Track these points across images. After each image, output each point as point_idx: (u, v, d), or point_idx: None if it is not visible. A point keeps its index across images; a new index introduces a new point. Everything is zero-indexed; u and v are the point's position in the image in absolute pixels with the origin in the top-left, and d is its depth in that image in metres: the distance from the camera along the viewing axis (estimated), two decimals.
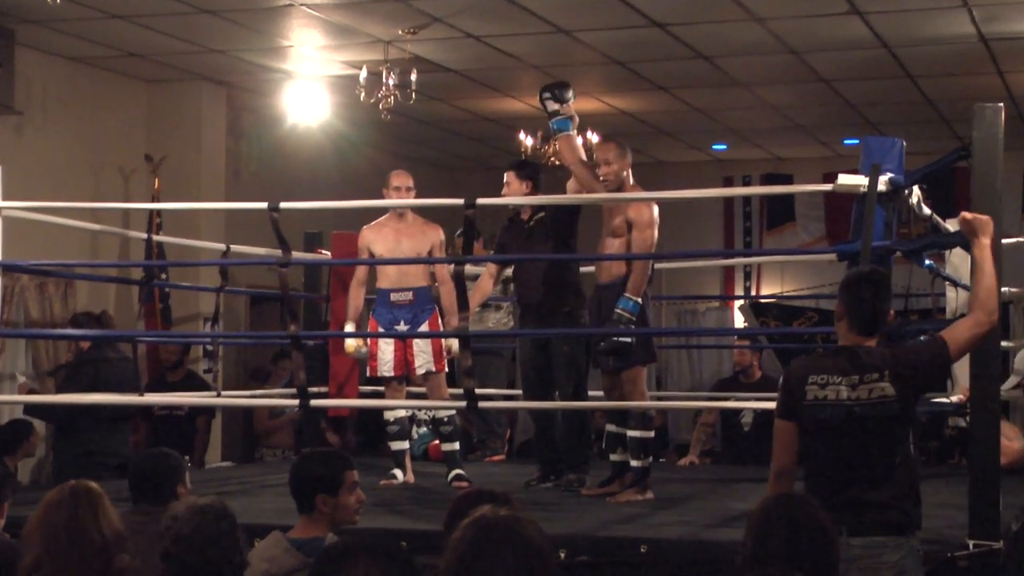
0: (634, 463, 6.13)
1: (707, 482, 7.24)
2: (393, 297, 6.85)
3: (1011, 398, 7.32)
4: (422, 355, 6.81)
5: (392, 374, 6.88)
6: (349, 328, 6.99)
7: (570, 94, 6.50)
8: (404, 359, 6.85)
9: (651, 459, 6.22)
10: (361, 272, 7.10)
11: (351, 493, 4.14)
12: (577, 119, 6.52)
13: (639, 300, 5.95)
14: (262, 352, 10.67)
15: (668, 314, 12.68)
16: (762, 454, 8.32)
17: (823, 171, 11.89)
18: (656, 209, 6.13)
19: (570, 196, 6.49)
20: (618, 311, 5.91)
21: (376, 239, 6.93)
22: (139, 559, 3.86)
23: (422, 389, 7.49)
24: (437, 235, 6.93)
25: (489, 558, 2.45)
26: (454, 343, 6.70)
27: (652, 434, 6.18)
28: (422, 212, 7.11)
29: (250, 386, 10.52)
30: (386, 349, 6.84)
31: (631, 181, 6.23)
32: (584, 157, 6.50)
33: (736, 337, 9.58)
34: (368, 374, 7.04)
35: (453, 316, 6.66)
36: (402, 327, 6.81)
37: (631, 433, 6.13)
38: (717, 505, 6.10)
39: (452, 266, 6.57)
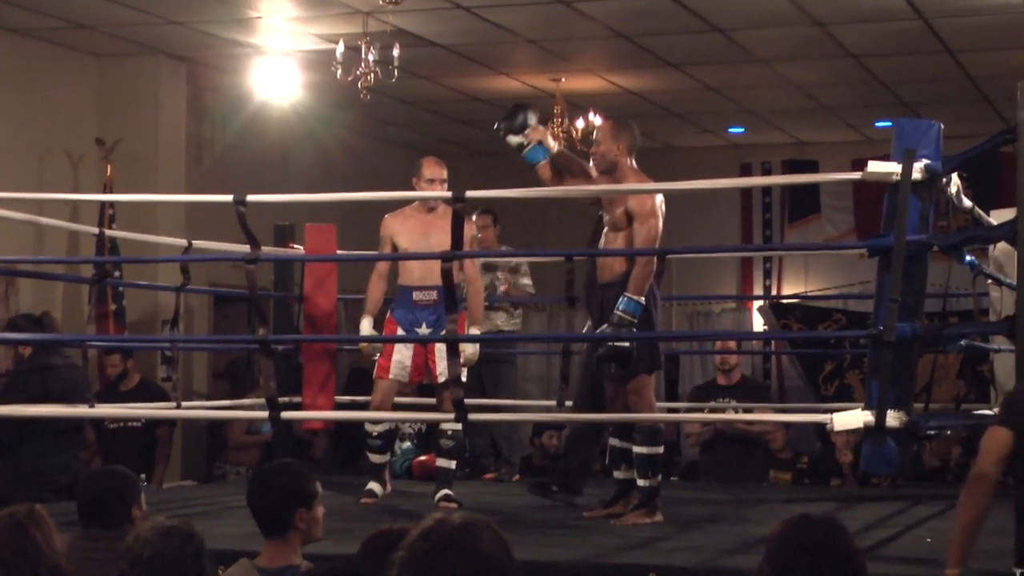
0: (641, 482, 6.11)
1: (721, 503, 7.24)
2: (415, 296, 6.86)
3: None
4: (444, 360, 6.79)
5: (408, 380, 6.91)
6: (365, 324, 6.95)
7: (530, 118, 6.38)
8: (425, 364, 6.86)
9: (660, 478, 6.21)
10: (383, 264, 7.10)
11: (320, 504, 4.19)
12: (550, 140, 6.43)
13: (641, 300, 5.91)
14: (226, 359, 10.67)
15: (679, 315, 12.68)
16: (746, 458, 8.63)
17: (851, 157, 11.89)
18: (660, 197, 6.11)
19: (577, 188, 6.47)
20: (618, 313, 5.88)
21: (401, 231, 6.92)
22: None
23: (408, 400, 7.50)
24: (469, 230, 6.85)
25: (441, 573, 2.46)
26: (470, 350, 6.68)
27: (661, 450, 6.16)
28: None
29: (217, 388, 10.52)
30: (406, 353, 6.84)
31: (631, 164, 6.18)
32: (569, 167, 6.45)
33: (725, 340, 9.64)
34: (375, 375, 7.00)
35: (475, 324, 6.73)
36: (424, 330, 6.81)
37: (637, 449, 6.11)
38: (733, 529, 6.10)
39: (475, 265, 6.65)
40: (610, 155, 6.15)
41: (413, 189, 6.99)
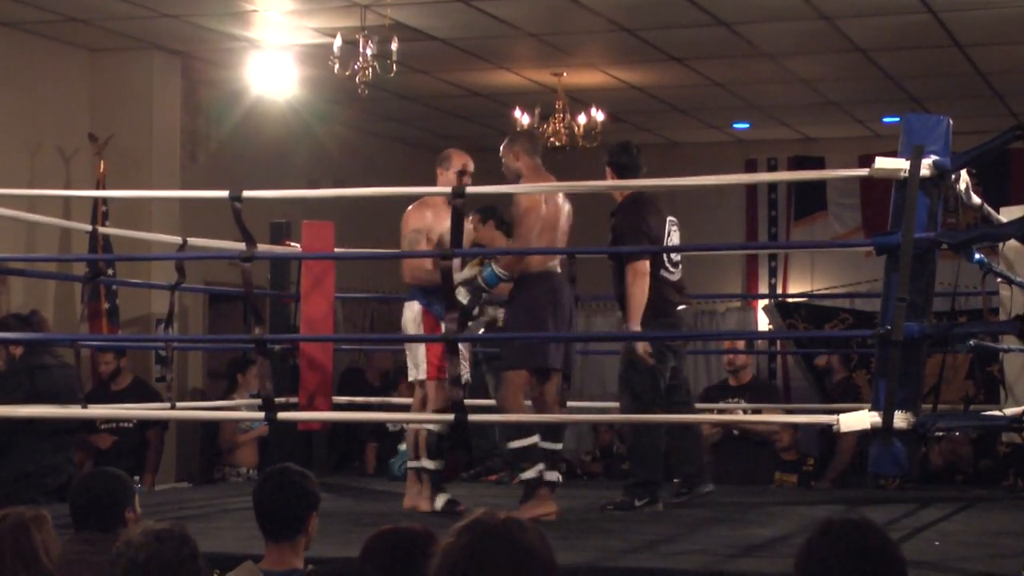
0: (528, 475, 6.32)
1: (727, 505, 7.24)
2: None
3: None
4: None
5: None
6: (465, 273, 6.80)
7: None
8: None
9: (541, 467, 6.35)
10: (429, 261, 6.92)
11: None
12: (488, 268, 6.46)
13: (500, 273, 6.28)
14: (223, 358, 10.67)
15: (683, 314, 12.68)
16: (755, 460, 8.65)
17: (859, 153, 11.90)
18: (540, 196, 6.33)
19: (578, 184, 6.54)
20: (480, 277, 6.28)
21: (436, 223, 6.83)
22: None
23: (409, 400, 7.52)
24: (468, 225, 7.05)
25: (485, 566, 2.46)
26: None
27: (534, 439, 6.32)
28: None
29: (211, 387, 10.51)
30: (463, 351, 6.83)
31: (534, 166, 6.42)
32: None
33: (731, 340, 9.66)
34: (429, 375, 6.86)
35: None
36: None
37: (510, 444, 6.36)
38: (739, 532, 6.11)
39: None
40: (512, 167, 6.48)
41: (437, 179, 6.91)
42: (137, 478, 7.95)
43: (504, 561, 2.46)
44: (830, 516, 2.93)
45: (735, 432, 8.75)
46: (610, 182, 6.57)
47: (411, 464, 7.00)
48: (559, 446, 6.61)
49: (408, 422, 8.06)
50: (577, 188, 6.60)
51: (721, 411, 8.62)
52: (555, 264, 6.40)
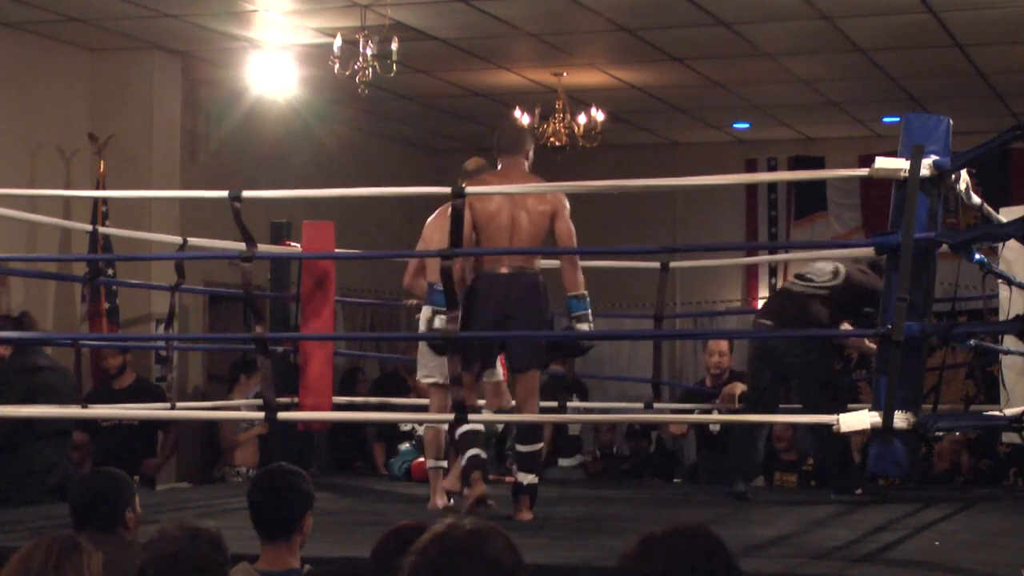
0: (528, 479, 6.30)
1: (727, 505, 7.25)
2: None
3: None
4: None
5: None
6: None
7: None
8: None
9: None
10: None
11: None
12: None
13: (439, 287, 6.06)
14: (223, 358, 10.67)
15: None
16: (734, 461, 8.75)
17: (859, 153, 11.90)
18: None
19: (576, 185, 6.52)
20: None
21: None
22: None
23: (410, 400, 7.51)
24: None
25: None
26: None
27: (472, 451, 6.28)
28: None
29: (212, 387, 10.52)
30: None
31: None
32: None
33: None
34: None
35: None
36: None
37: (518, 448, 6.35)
38: (738, 532, 6.09)
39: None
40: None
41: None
42: (136, 477, 7.94)
43: (471, 573, 2.47)
44: (669, 527, 2.62)
45: (714, 432, 8.73)
46: (607, 182, 6.55)
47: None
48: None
49: (406, 422, 8.08)
50: (577, 188, 6.58)
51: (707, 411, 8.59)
52: (496, 266, 6.28)
